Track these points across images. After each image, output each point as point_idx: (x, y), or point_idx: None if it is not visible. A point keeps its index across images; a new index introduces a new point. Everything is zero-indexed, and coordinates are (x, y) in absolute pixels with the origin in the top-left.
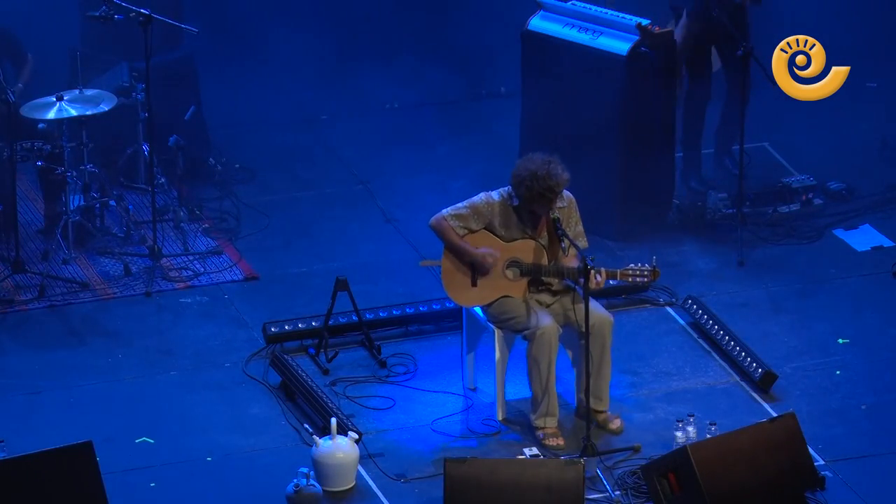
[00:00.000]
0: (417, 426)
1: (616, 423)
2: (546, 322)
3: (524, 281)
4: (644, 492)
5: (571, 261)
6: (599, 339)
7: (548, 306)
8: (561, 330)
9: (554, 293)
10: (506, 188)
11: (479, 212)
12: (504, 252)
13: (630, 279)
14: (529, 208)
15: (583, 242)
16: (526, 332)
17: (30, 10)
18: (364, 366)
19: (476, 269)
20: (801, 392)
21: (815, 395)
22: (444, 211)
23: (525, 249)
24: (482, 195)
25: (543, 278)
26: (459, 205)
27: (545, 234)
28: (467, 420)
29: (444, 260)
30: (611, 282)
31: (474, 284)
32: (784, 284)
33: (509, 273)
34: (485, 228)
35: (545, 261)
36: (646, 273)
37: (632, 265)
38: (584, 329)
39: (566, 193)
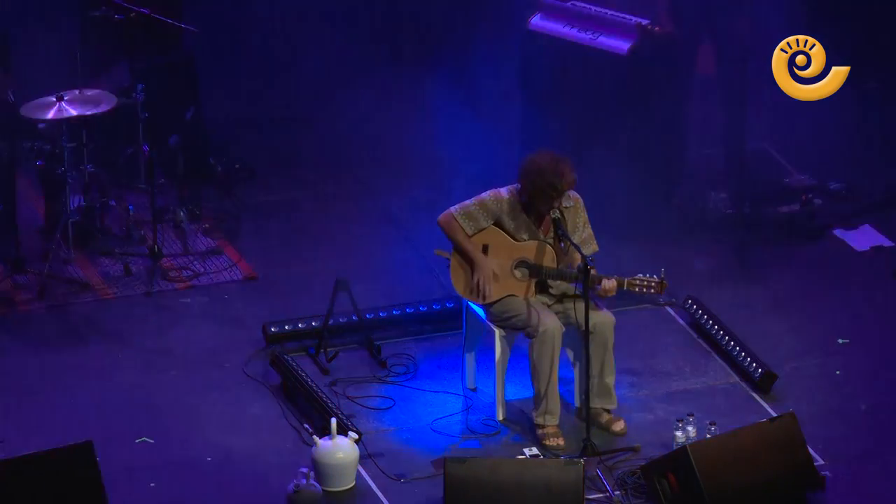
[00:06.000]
0: (417, 426)
1: (620, 426)
2: (550, 321)
3: (532, 281)
4: (644, 492)
5: (578, 262)
6: (601, 339)
7: (549, 306)
8: (564, 328)
9: (553, 294)
10: (515, 185)
11: (487, 208)
12: (514, 252)
13: (637, 289)
14: (533, 204)
15: (592, 247)
16: (529, 328)
17: (30, 10)
18: (364, 366)
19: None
20: (801, 392)
21: (815, 395)
22: (452, 208)
23: (535, 250)
24: (491, 191)
25: (548, 281)
26: (468, 202)
27: (552, 233)
28: (467, 420)
29: (453, 257)
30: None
31: None
32: (784, 284)
33: (517, 273)
34: (494, 224)
35: (554, 262)
36: (653, 284)
37: (640, 275)
38: (584, 329)
39: (573, 194)
